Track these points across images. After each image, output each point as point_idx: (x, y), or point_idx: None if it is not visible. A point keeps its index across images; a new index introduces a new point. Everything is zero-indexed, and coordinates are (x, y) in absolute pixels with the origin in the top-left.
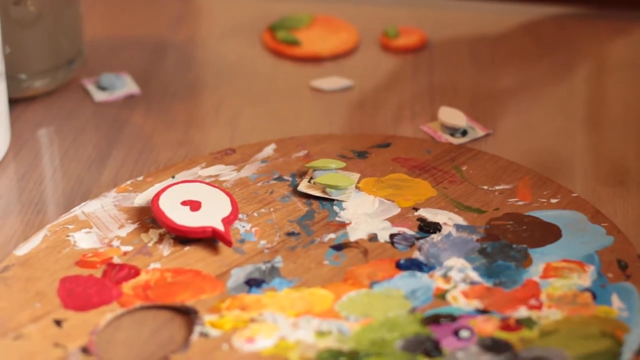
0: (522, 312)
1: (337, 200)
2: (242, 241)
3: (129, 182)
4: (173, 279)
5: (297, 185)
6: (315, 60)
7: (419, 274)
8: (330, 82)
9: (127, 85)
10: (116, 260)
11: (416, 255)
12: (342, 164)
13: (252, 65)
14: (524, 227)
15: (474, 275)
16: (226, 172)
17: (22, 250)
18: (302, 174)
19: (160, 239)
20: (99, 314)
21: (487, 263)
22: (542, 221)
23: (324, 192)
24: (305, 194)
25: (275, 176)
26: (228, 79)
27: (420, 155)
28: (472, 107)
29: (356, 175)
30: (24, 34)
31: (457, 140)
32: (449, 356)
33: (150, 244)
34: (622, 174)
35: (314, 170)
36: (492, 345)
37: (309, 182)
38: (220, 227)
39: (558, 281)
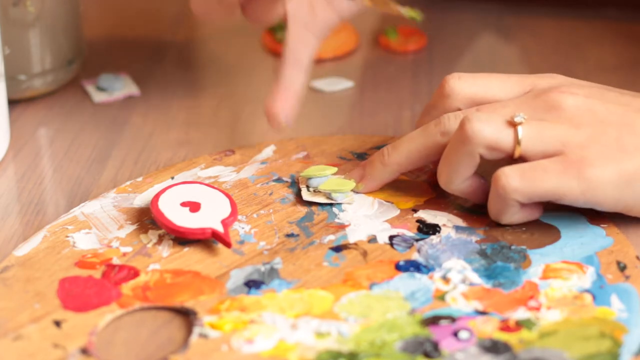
0: (522, 313)
1: (344, 204)
2: (242, 242)
3: (128, 183)
4: (172, 280)
5: (298, 193)
6: (315, 60)
7: (418, 275)
8: (330, 82)
9: (126, 86)
10: (115, 261)
11: (415, 256)
12: (334, 169)
13: (252, 66)
14: (523, 228)
15: (473, 277)
16: (225, 173)
17: (22, 250)
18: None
19: (160, 240)
20: (99, 314)
21: (486, 264)
22: (541, 222)
23: (328, 198)
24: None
25: (275, 177)
26: (228, 80)
27: None
28: None
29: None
30: (24, 35)
31: None
32: (449, 357)
33: (149, 245)
34: None
35: (309, 178)
36: (492, 346)
37: (309, 190)
38: (220, 228)
39: (557, 282)
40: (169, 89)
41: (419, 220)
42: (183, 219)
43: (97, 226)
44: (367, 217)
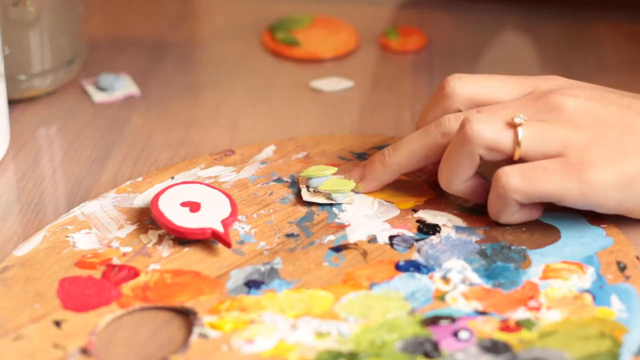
0: (522, 313)
1: (344, 204)
2: (242, 242)
3: (128, 183)
4: (172, 280)
5: (298, 193)
6: (315, 60)
7: (418, 275)
8: (330, 82)
9: (126, 86)
10: (115, 261)
11: (415, 256)
12: (334, 169)
13: (252, 66)
14: (523, 228)
15: (473, 277)
16: (225, 174)
17: (22, 250)
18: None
19: (160, 240)
20: (98, 314)
21: (486, 264)
22: (541, 222)
23: (328, 198)
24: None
25: (275, 177)
26: (228, 80)
27: None
28: None
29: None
30: (24, 35)
31: None
32: (449, 357)
33: (149, 245)
34: None
35: (309, 178)
36: (492, 346)
37: (309, 190)
38: (220, 228)
39: (557, 282)
40: (169, 89)
41: (419, 220)
42: (183, 219)
43: (97, 226)
44: (367, 217)
